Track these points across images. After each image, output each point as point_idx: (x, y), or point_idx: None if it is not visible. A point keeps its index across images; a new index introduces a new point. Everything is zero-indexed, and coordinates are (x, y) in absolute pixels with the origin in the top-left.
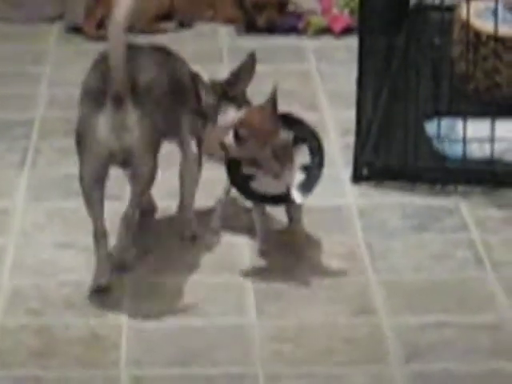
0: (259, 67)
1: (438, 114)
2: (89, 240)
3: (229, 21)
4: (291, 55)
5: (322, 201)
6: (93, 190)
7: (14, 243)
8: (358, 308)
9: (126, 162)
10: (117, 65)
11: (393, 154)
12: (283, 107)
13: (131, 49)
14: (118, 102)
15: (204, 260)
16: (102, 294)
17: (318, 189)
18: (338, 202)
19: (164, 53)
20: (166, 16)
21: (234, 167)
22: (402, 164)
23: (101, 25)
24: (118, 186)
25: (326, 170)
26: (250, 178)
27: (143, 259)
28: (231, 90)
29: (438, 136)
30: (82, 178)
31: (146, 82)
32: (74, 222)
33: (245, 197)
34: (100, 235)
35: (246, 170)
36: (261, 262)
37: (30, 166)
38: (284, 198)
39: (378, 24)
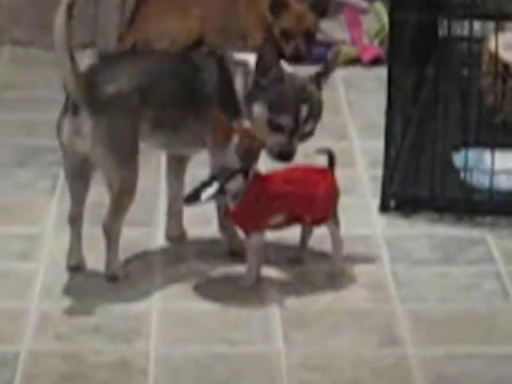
0: None
1: (466, 145)
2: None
3: (258, 50)
4: None
5: (350, 230)
6: (71, 181)
7: (44, 268)
8: (384, 338)
9: (92, 166)
10: (65, 77)
11: (421, 184)
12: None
13: (116, 57)
14: (76, 108)
15: (230, 288)
16: (74, 273)
17: (346, 218)
18: (365, 231)
19: (180, 60)
20: (196, 44)
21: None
22: (429, 195)
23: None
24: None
25: (354, 200)
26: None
27: (171, 286)
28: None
29: (466, 167)
30: (63, 170)
31: (111, 93)
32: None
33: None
34: (73, 220)
35: None
36: (287, 291)
37: (60, 192)
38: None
39: (407, 55)
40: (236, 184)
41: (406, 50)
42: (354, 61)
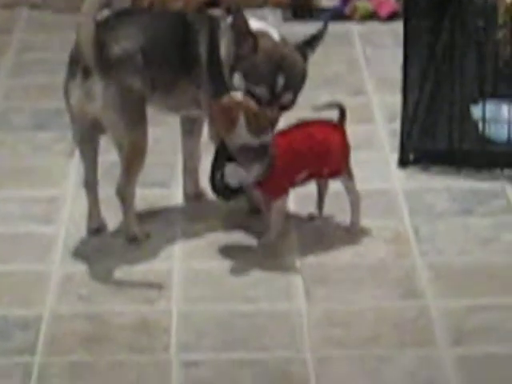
0: None
1: (484, 97)
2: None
3: (279, 5)
4: (337, 40)
5: (369, 185)
6: (82, 146)
7: (65, 231)
8: (405, 291)
9: (101, 129)
10: (84, 40)
11: (439, 137)
12: (330, 92)
13: (120, 16)
14: (86, 72)
15: (251, 246)
16: (95, 235)
17: (365, 173)
18: (384, 185)
19: (177, 21)
20: (212, 3)
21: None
22: (448, 148)
23: None
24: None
25: (372, 154)
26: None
27: (191, 245)
28: None
29: (484, 119)
30: (72, 135)
31: (119, 53)
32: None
33: (212, 188)
34: (88, 185)
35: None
36: (307, 248)
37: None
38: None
39: (422, 8)
40: (262, 164)
41: (422, 4)
42: (371, 16)
